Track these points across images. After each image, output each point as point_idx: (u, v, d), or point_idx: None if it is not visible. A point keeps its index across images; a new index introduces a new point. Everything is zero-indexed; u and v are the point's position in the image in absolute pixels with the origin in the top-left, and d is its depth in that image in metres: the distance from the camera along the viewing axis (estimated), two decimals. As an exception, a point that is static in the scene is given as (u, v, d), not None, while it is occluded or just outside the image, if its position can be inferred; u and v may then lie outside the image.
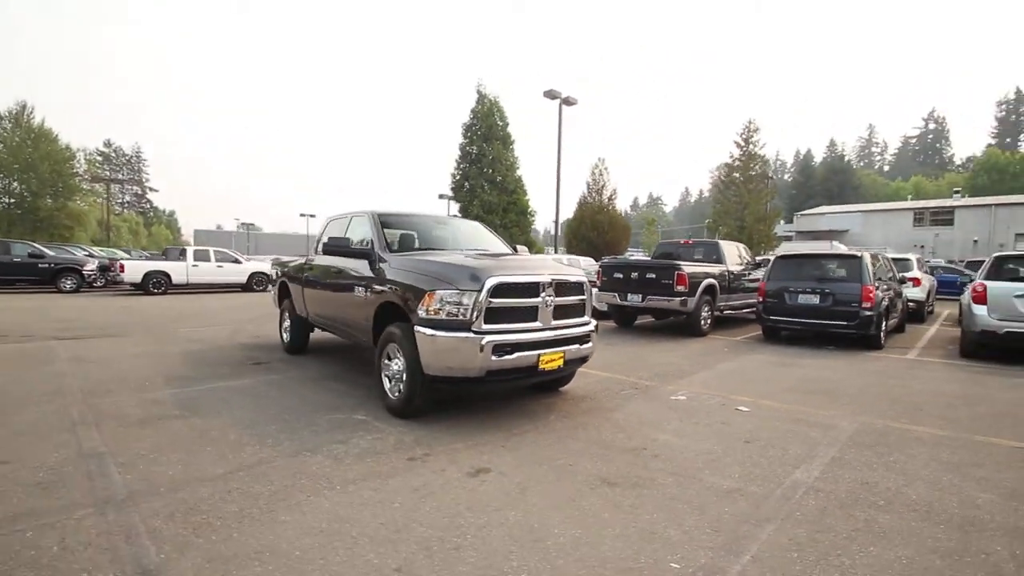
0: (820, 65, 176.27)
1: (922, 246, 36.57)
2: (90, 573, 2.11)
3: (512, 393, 5.10)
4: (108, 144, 75.62)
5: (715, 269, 10.26)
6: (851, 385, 5.81)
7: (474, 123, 17.78)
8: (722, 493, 2.96)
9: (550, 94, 18.87)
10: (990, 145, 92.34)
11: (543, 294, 4.25)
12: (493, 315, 3.98)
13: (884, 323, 8.41)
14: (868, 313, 8.05)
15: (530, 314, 4.20)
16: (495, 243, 5.98)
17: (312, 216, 54.93)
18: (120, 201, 70.12)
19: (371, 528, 2.52)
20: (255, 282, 19.62)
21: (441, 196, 35.07)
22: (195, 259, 18.16)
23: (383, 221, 5.34)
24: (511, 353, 3.99)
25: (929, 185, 79.16)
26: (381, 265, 4.76)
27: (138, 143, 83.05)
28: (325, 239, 6.34)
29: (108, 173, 64.38)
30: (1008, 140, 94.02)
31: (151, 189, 79.63)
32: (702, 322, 9.58)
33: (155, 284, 17.01)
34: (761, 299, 9.19)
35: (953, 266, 20.46)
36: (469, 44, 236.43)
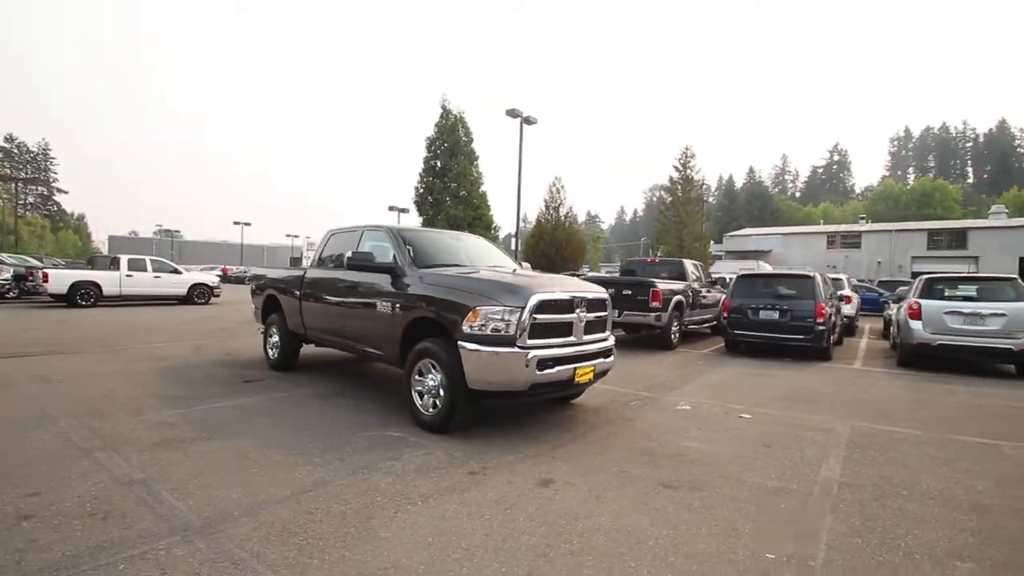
0: (740, 98, 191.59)
1: (834, 266, 40.42)
2: (219, 600, 2.05)
3: (528, 407, 5.24)
4: (10, 139, 67.82)
5: (680, 286, 10.95)
6: (822, 393, 6.46)
7: (439, 137, 17.87)
8: (770, 492, 3.29)
9: (512, 113, 19.37)
10: (884, 176, 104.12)
11: (577, 310, 4.47)
12: (535, 331, 4.14)
13: (831, 337, 9.37)
14: (821, 328, 8.94)
15: (566, 329, 4.40)
16: (504, 259, 6.14)
17: (247, 224, 52.06)
18: (23, 203, 62.81)
19: (478, 539, 2.59)
20: (196, 294, 18.37)
21: (391, 208, 34.62)
22: (130, 268, 16.75)
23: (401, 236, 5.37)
24: (552, 367, 4.17)
25: (836, 211, 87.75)
26: (407, 280, 4.78)
27: (45, 139, 74.74)
28: (327, 253, 6.24)
29: (9, 171, 57.69)
30: (899, 172, 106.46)
31: (59, 190, 72.03)
32: (672, 336, 10.18)
33: (83, 296, 15.51)
34: (726, 314, 9.92)
35: (867, 285, 22.86)
36: (428, 56, 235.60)
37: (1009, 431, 4.81)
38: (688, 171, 34.65)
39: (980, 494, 3.29)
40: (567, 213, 22.62)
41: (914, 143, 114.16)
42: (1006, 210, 46.01)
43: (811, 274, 9.62)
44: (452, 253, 5.58)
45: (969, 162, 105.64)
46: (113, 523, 2.65)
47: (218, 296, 19.39)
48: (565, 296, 4.39)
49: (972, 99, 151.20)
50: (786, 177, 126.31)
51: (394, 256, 5.06)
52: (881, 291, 20.45)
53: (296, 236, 61.11)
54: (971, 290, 8.25)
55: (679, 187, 34.68)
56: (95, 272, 16.20)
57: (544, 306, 4.19)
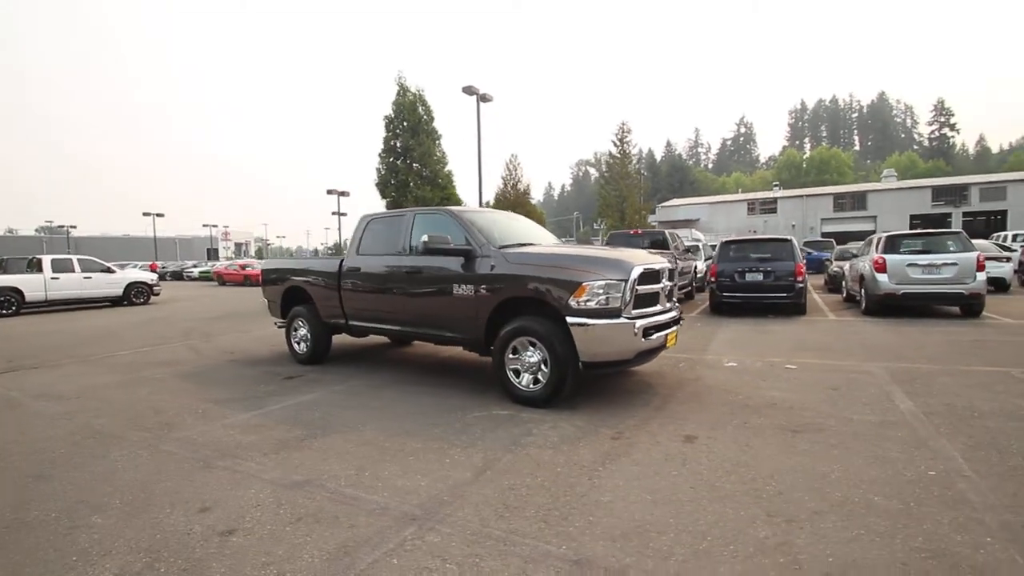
0: (656, 75, 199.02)
1: (754, 231, 43.90)
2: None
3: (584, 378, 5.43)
4: None
5: (667, 255, 11.56)
6: (829, 342, 7.23)
7: (398, 116, 17.19)
8: (878, 425, 3.74)
9: (468, 90, 18.98)
10: (785, 146, 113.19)
11: (663, 280, 4.71)
12: (636, 301, 4.34)
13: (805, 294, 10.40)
14: (800, 286, 9.89)
15: (656, 298, 4.64)
16: (549, 235, 6.23)
17: (160, 215, 47.25)
18: None
19: (689, 491, 2.79)
20: (133, 294, 16.71)
21: (330, 191, 32.94)
22: (54, 270, 14.87)
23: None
24: (653, 334, 4.40)
25: (746, 179, 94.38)
26: (491, 261, 4.76)
27: None
28: (369, 240, 6.01)
29: None
30: (797, 142, 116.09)
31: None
32: (664, 302, 10.78)
33: (4, 304, 13.61)
34: (713, 279, 10.66)
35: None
36: (368, 33, 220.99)
37: (1003, 359, 5.70)
38: (625, 146, 35.87)
39: (1033, 408, 3.97)
40: (525, 189, 22.82)
41: (809, 115, 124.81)
42: (895, 174, 52.13)
43: (789, 238, 10.55)
44: (511, 232, 5.58)
45: (855, 131, 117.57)
46: (331, 524, 2.56)
47: (157, 295, 17.74)
48: (656, 267, 4.60)
49: (857, 73, 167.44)
50: (699, 149, 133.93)
51: (466, 238, 5.00)
52: (810, 251, 22.67)
53: (214, 226, 56.33)
54: (926, 244, 9.46)
55: (617, 161, 35.84)
56: (14, 276, 14.21)
57: (643, 277, 4.39)
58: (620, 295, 4.20)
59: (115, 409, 4.80)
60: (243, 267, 28.57)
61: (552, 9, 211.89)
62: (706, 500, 2.69)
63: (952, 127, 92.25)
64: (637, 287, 4.30)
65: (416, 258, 5.39)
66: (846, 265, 12.66)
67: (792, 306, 10.16)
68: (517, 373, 4.58)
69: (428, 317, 5.28)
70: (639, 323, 4.24)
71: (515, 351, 4.57)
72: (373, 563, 2.21)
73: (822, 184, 68.00)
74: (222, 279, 28.95)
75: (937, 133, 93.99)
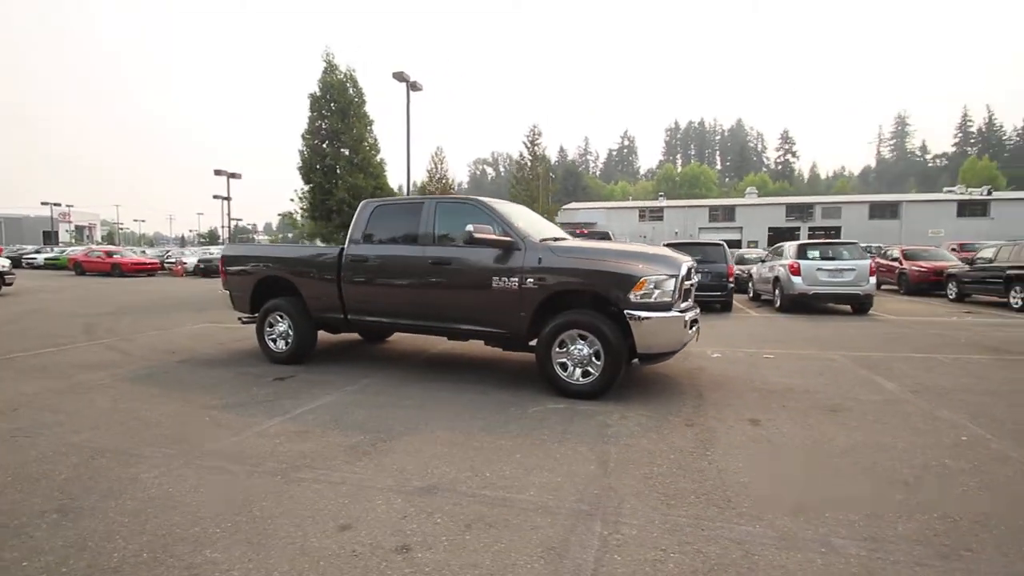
0: (551, 81, 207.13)
1: (644, 236, 47.80)
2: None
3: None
4: None
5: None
6: (774, 335, 8.21)
7: (325, 95, 15.87)
8: (886, 403, 4.37)
9: (399, 76, 18.24)
10: (662, 160, 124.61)
11: (693, 276, 5.02)
12: (683, 295, 4.58)
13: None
14: (731, 286, 11.08)
15: (691, 293, 4.93)
16: (558, 229, 6.29)
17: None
18: None
19: (807, 467, 3.06)
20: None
21: (218, 172, 29.46)
22: None
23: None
24: (691, 327, 4.68)
25: (630, 188, 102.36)
26: (534, 254, 4.69)
27: None
28: (377, 229, 5.60)
29: None
30: (672, 157, 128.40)
31: None
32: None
33: None
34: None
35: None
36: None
37: (921, 347, 6.94)
38: (536, 148, 36.94)
39: (986, 382, 4.92)
40: (450, 184, 22.32)
41: (681, 134, 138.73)
42: (756, 191, 60.13)
43: (720, 243, 11.73)
44: (534, 225, 5.53)
45: (718, 151, 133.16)
46: (508, 528, 2.38)
47: (10, 284, 14.52)
48: (690, 264, 4.89)
49: (720, 100, 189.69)
50: (588, 157, 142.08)
51: (504, 230, 4.87)
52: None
53: (57, 204, 46.97)
54: (826, 251, 11.12)
55: (528, 163, 36.79)
56: None
57: (688, 272, 4.65)
58: (673, 289, 4.41)
59: (90, 422, 3.92)
60: (109, 254, 24.33)
61: (460, 11, 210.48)
62: (826, 474, 2.98)
63: (794, 154, 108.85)
64: (684, 282, 4.55)
65: (443, 248, 5.12)
66: (752, 268, 14.41)
67: (723, 304, 11.33)
68: (564, 367, 4.59)
69: (458, 310, 5.04)
70: (687, 315, 4.50)
71: (562, 344, 4.57)
72: (598, 561, 2.13)
73: (693, 196, 76.15)
74: (81, 268, 24.38)
75: (782, 158, 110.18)
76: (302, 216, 23.79)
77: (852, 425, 3.83)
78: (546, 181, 37.58)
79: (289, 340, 5.92)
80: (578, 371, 4.53)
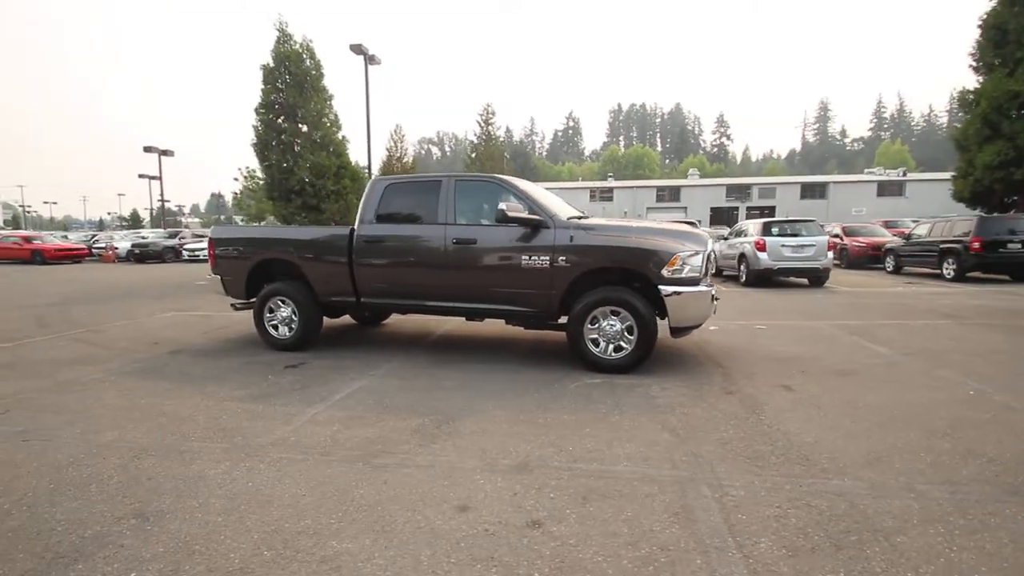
0: (496, 61, 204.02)
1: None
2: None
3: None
4: None
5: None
6: (750, 307, 8.70)
7: (279, 67, 14.85)
8: (888, 366, 4.77)
9: (357, 49, 17.38)
10: (606, 142, 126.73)
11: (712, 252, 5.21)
12: (707, 270, 4.76)
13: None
14: (703, 262, 11.58)
15: (710, 269, 5.12)
16: (568, 206, 6.29)
17: None
18: None
19: (856, 424, 3.30)
20: None
21: (148, 148, 27.08)
22: None
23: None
24: (715, 301, 4.88)
25: (577, 169, 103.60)
26: (565, 232, 4.70)
27: None
28: (391, 207, 5.39)
29: None
30: (616, 139, 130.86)
31: None
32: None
33: None
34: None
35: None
36: None
37: (889, 314, 7.58)
38: (490, 127, 36.46)
39: (962, 344, 5.48)
40: (412, 163, 21.51)
41: (623, 116, 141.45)
42: (698, 172, 62.59)
43: (693, 221, 12.15)
44: (555, 204, 5.51)
45: (659, 133, 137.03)
46: (624, 498, 2.44)
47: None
48: (712, 240, 5.07)
49: (660, 84, 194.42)
50: (534, 137, 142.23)
51: (531, 208, 4.83)
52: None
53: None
54: (788, 228, 11.82)
55: (483, 142, 36.29)
56: None
57: (711, 249, 4.82)
58: (700, 265, 4.57)
59: (109, 421, 3.59)
60: (28, 239, 21.87)
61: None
62: (874, 429, 3.23)
63: (729, 137, 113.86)
64: (709, 258, 4.72)
65: (466, 227, 5.02)
66: (716, 245, 15.11)
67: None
68: (595, 343, 4.67)
69: (484, 290, 4.97)
70: (713, 290, 4.69)
71: (592, 322, 4.64)
72: (727, 521, 2.22)
73: (638, 177, 78.24)
74: (-10, 255, 21.79)
75: (718, 141, 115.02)
76: (252, 195, 22.46)
77: (870, 386, 4.16)
78: (501, 161, 37.30)
79: (293, 326, 5.64)
80: (610, 346, 4.63)
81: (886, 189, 45.93)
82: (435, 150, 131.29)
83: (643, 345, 4.52)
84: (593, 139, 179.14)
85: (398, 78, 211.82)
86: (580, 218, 5.14)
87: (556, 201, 5.54)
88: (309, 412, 3.72)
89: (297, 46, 14.62)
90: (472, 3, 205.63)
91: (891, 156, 72.96)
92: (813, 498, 2.41)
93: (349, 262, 5.33)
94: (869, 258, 15.91)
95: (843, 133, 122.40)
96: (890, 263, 14.52)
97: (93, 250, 25.27)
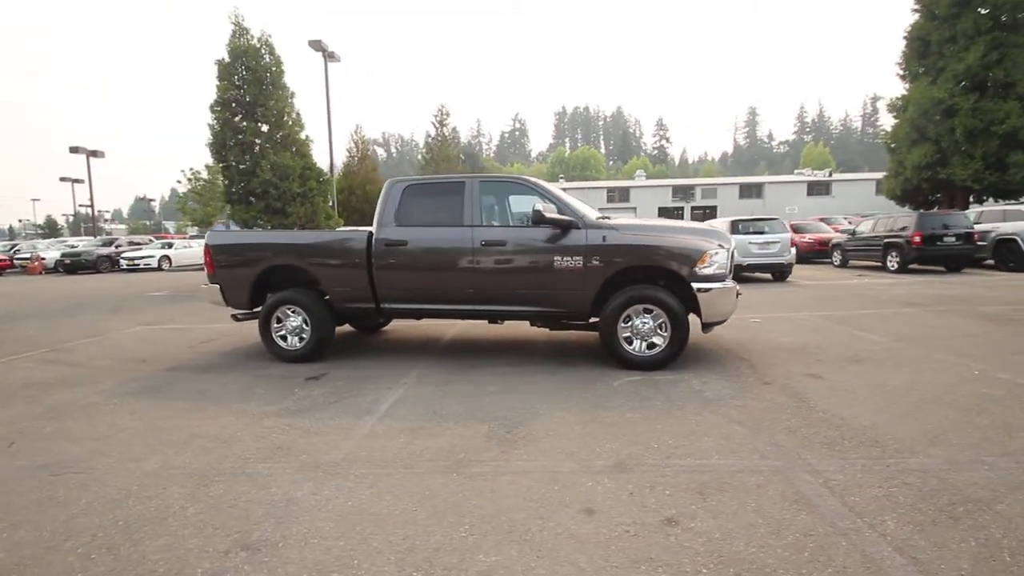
0: (442, 63, 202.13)
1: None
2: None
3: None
4: None
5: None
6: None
7: (236, 62, 13.99)
8: (889, 351, 5.15)
9: (316, 46, 16.75)
10: (552, 143, 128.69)
11: (726, 249, 5.43)
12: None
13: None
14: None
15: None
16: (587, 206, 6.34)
17: None
18: None
19: (900, 405, 3.54)
20: None
21: (74, 149, 24.83)
22: None
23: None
24: (738, 296, 5.08)
25: (525, 170, 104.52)
26: (598, 232, 4.75)
27: None
28: (411, 209, 5.25)
29: None
30: (561, 141, 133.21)
31: None
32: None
33: None
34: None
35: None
36: None
37: (861, 304, 8.18)
38: (444, 128, 36.06)
39: (940, 330, 5.99)
40: (373, 166, 20.81)
41: (568, 118, 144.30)
42: (644, 173, 64.81)
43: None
44: (579, 205, 5.52)
45: (602, 136, 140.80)
46: (734, 490, 2.50)
47: None
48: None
49: (603, 87, 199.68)
50: (481, 139, 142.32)
51: (559, 209, 4.84)
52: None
53: None
54: (753, 227, 12.50)
55: (438, 143, 35.83)
56: None
57: (732, 246, 5.03)
58: (726, 261, 4.76)
59: (143, 448, 3.28)
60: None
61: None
62: (915, 411, 3.48)
63: (668, 140, 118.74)
64: (731, 254, 4.92)
65: (495, 229, 4.97)
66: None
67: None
68: (629, 341, 4.75)
69: (514, 292, 4.93)
70: (737, 286, 4.89)
71: (626, 320, 4.72)
72: (844, 503, 2.33)
73: (585, 178, 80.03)
74: None
75: (658, 144, 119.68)
76: (198, 198, 21.13)
77: (885, 371, 4.49)
78: (456, 162, 37.01)
79: (304, 336, 5.36)
80: (643, 344, 4.73)
81: (815, 189, 49.44)
82: (380, 151, 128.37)
83: (676, 342, 4.64)
84: (539, 141, 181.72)
85: (340, 79, 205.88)
86: (603, 218, 5.20)
87: (577, 202, 5.58)
88: (364, 424, 3.56)
89: (255, 41, 13.86)
90: (415, 5, 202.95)
91: (815, 157, 78.69)
92: (904, 476, 2.58)
93: (368, 267, 5.13)
94: (816, 253, 17.09)
95: (770, 136, 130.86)
96: (837, 257, 15.67)
97: (15, 261, 22.78)
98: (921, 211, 13.78)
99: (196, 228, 32.49)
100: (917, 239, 12.33)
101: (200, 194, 20.73)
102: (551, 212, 4.65)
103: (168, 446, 3.28)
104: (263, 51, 13.91)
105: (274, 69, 14.03)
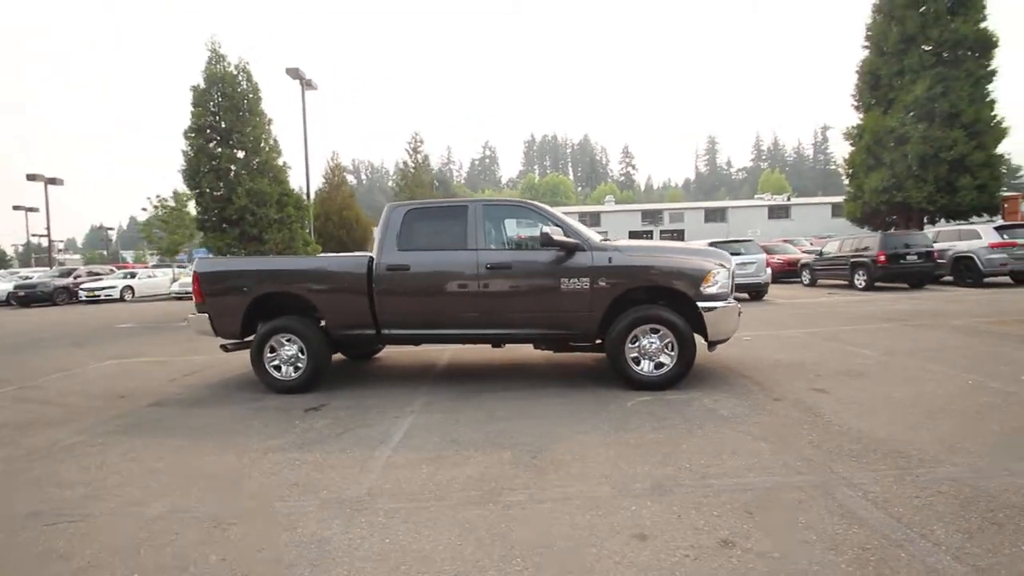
0: (410, 94, 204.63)
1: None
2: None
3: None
4: None
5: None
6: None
7: (211, 89, 13.76)
8: (883, 365, 5.31)
9: (293, 73, 16.71)
10: (521, 170, 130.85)
11: (722, 269, 5.54)
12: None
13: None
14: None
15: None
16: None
17: None
18: None
19: (913, 415, 3.63)
20: None
21: (33, 177, 23.78)
22: None
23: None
24: (740, 314, 5.17)
25: (496, 196, 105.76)
26: (603, 255, 4.79)
27: None
28: (413, 234, 5.17)
29: None
30: (531, 168, 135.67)
31: None
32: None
33: None
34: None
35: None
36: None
37: (838, 320, 8.46)
38: (418, 155, 36.22)
39: (924, 343, 6.23)
40: (351, 192, 20.56)
41: (537, 146, 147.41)
42: (613, 198, 66.49)
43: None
44: (577, 226, 5.57)
45: (570, 163, 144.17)
46: (769, 504, 2.48)
47: None
48: (727, 258, 5.40)
49: (570, 116, 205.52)
50: (452, 166, 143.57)
51: (566, 231, 4.87)
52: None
53: None
54: (733, 248, 12.86)
55: (412, 170, 35.89)
56: None
57: (732, 265, 5.14)
58: (728, 280, 4.86)
59: (143, 491, 3.05)
60: None
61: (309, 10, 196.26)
62: (926, 421, 3.57)
63: (634, 167, 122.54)
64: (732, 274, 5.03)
65: (500, 253, 4.95)
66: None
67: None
68: (636, 361, 4.75)
69: (520, 315, 4.89)
70: (739, 305, 4.99)
71: (633, 340, 4.73)
72: (888, 513, 2.34)
73: (555, 204, 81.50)
74: None
75: (625, 170, 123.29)
76: (164, 226, 20.47)
77: (886, 384, 4.61)
78: (430, 188, 37.08)
79: (299, 365, 5.15)
80: (651, 364, 4.73)
81: (775, 212, 51.62)
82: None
83: (684, 361, 4.66)
84: (509, 167, 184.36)
85: (311, 105, 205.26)
86: (605, 240, 5.26)
87: (579, 224, 5.64)
88: (380, 456, 3.40)
89: (230, 67, 13.72)
90: (379, 32, 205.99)
91: (772, 183, 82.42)
92: (937, 485, 2.62)
93: (369, 292, 5.01)
94: (786, 273, 17.70)
95: (729, 163, 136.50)
96: (806, 277, 16.27)
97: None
98: (884, 232, 14.51)
99: (158, 257, 31.37)
100: (882, 258, 12.94)
101: (167, 221, 20.04)
102: (558, 234, 4.67)
103: (170, 488, 3.05)
104: (240, 78, 13.77)
105: (251, 96, 13.87)
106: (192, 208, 14.75)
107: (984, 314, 8.45)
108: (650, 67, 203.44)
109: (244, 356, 6.47)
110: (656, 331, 4.70)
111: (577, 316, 4.81)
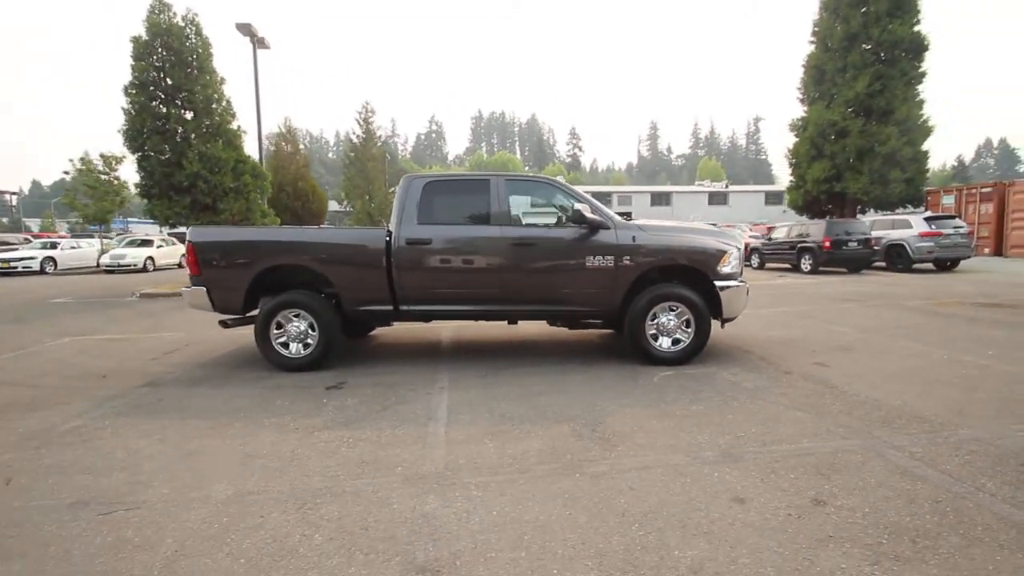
0: (354, 63, 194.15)
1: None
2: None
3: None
4: None
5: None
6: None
7: (155, 41, 12.40)
8: (867, 343, 5.82)
9: (244, 29, 15.39)
10: (468, 147, 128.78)
11: (726, 250, 5.79)
12: (737, 266, 5.31)
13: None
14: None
15: (732, 265, 5.70)
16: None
17: None
18: None
19: (920, 383, 4.02)
20: None
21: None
22: None
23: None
24: (748, 294, 5.42)
25: (444, 171, 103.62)
26: (627, 233, 4.87)
27: None
28: (434, 207, 5.02)
29: None
30: (478, 145, 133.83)
31: None
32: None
33: None
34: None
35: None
36: None
37: (810, 301, 9.10)
38: (369, 127, 34.68)
39: (891, 322, 6.85)
40: (305, 162, 19.22)
41: (484, 123, 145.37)
42: (563, 180, 67.24)
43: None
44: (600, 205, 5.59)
45: (518, 142, 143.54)
46: (852, 468, 2.70)
47: None
48: (732, 239, 5.65)
49: (519, 94, 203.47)
50: (396, 139, 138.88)
51: (592, 209, 4.90)
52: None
53: None
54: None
55: (362, 142, 34.33)
56: None
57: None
58: (739, 260, 5.10)
59: (186, 473, 2.84)
60: None
61: None
62: (928, 390, 3.97)
63: (581, 149, 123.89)
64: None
65: (525, 229, 4.91)
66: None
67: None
68: (654, 337, 4.92)
69: (544, 292, 4.90)
70: (747, 284, 5.26)
71: (653, 317, 4.89)
72: (939, 471, 2.61)
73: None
74: None
75: (572, 152, 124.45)
76: (92, 192, 18.54)
77: (875, 358, 5.06)
78: (382, 161, 35.73)
79: (309, 342, 4.92)
80: (668, 340, 4.92)
81: (715, 199, 54.22)
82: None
83: (700, 337, 4.89)
84: (456, 144, 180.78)
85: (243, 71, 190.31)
86: (625, 218, 5.35)
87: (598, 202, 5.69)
88: (437, 432, 3.35)
89: (177, 18, 12.45)
90: (325, 2, 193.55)
91: (710, 170, 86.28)
92: (967, 445, 2.95)
93: (387, 267, 4.83)
94: (736, 256, 18.74)
95: (669, 149, 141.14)
96: (755, 260, 17.32)
97: None
98: (829, 219, 15.66)
99: (79, 226, 28.53)
100: (827, 244, 14.00)
101: (94, 187, 18.10)
102: (588, 211, 4.70)
103: (220, 471, 2.86)
104: (188, 31, 12.53)
105: (201, 51, 12.68)
106: (127, 173, 13.37)
107: (925, 296, 9.39)
108: (597, 51, 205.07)
109: (226, 333, 6.14)
110: (674, 309, 4.88)
111: (601, 294, 4.89)
